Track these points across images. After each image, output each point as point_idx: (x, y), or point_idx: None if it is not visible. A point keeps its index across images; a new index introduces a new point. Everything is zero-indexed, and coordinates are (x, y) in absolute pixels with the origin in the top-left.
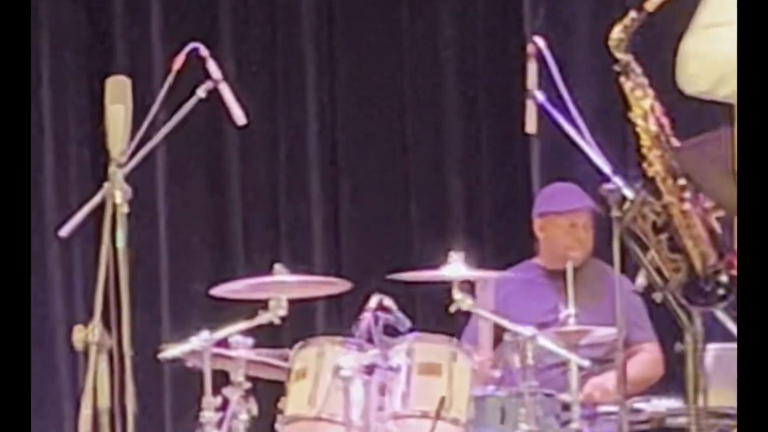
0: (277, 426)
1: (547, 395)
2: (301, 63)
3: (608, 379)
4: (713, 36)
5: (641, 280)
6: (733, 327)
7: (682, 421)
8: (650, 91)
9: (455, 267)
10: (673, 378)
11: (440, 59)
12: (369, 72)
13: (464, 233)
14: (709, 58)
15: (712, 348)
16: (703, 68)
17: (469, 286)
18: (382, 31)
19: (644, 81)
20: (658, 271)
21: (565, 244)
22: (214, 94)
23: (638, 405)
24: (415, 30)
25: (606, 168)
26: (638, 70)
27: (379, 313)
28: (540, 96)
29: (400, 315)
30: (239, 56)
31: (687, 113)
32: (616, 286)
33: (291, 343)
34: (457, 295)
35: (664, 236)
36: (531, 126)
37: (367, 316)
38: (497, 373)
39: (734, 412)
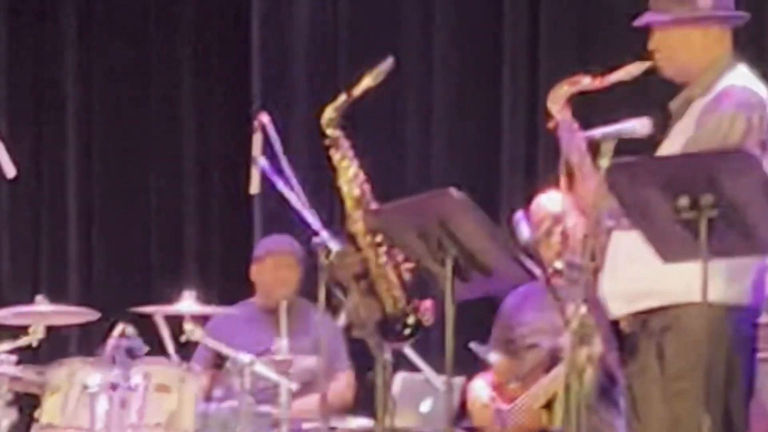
0: None
1: (261, 413)
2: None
3: (311, 401)
4: None
5: (342, 319)
6: (416, 360)
7: None
8: (355, 161)
9: (187, 303)
10: (366, 400)
11: (181, 128)
12: (121, 137)
13: (196, 275)
14: None
15: (399, 377)
16: None
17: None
18: (131, 99)
19: (350, 153)
20: (357, 311)
21: (270, 282)
22: None
23: (336, 423)
24: (160, 102)
25: (315, 224)
26: (346, 144)
27: (122, 340)
28: (263, 162)
29: (139, 341)
30: None
31: None
32: (320, 323)
33: (48, 362)
34: (188, 326)
35: (362, 283)
36: (255, 187)
37: (111, 342)
38: (219, 392)
39: (414, 430)
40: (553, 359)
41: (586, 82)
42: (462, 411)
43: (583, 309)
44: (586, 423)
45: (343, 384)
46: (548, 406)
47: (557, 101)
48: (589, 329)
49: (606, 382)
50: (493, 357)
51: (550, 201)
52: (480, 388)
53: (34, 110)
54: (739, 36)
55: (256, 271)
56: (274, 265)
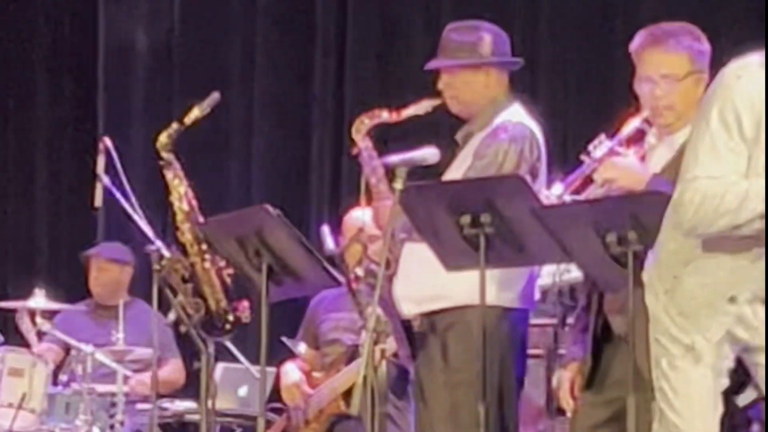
0: None
1: (101, 395)
2: None
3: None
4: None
5: (172, 316)
6: (235, 351)
7: (195, 417)
8: (185, 181)
9: (39, 299)
10: (192, 386)
11: (36, 148)
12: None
13: (47, 275)
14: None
15: (220, 366)
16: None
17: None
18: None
19: (181, 173)
20: (185, 310)
21: (92, 282)
22: None
23: (165, 404)
24: (17, 129)
25: (150, 233)
26: (177, 165)
27: None
28: (106, 179)
29: None
30: None
31: None
32: (153, 319)
33: None
34: (38, 320)
35: (189, 285)
36: (98, 201)
37: None
38: (65, 377)
39: (232, 412)
40: (352, 354)
41: (384, 116)
42: (274, 395)
43: (379, 310)
44: (379, 410)
45: (172, 369)
46: (347, 394)
47: (360, 132)
48: (383, 328)
49: (398, 373)
50: (301, 348)
51: (352, 218)
52: (291, 370)
53: None
54: (515, 78)
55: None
56: (96, 267)
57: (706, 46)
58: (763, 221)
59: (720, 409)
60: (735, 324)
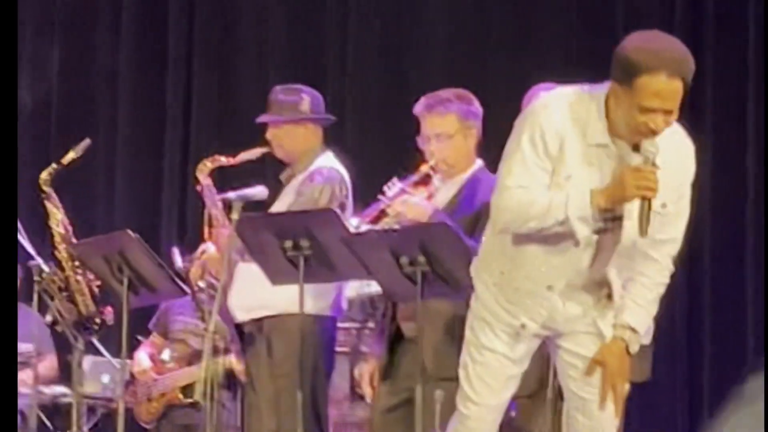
0: None
1: None
2: None
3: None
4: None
5: (49, 317)
6: (100, 347)
7: (68, 400)
8: (61, 209)
9: None
10: (65, 376)
11: None
12: None
13: None
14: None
15: (88, 358)
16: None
17: None
18: None
19: (58, 203)
20: (60, 313)
21: None
22: None
23: (44, 390)
24: None
25: (32, 251)
26: (55, 197)
27: None
28: None
29: None
30: None
31: None
32: (32, 320)
33: None
34: None
35: (64, 294)
36: None
37: None
38: None
39: (97, 396)
40: (195, 356)
41: (223, 159)
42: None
43: (217, 316)
44: (216, 397)
45: (49, 362)
46: (185, 388)
47: (203, 172)
48: (220, 331)
49: (228, 369)
50: (152, 338)
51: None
52: (142, 358)
53: None
54: (327, 131)
55: None
56: None
57: (474, 106)
58: (563, 226)
59: (512, 389)
60: (552, 310)
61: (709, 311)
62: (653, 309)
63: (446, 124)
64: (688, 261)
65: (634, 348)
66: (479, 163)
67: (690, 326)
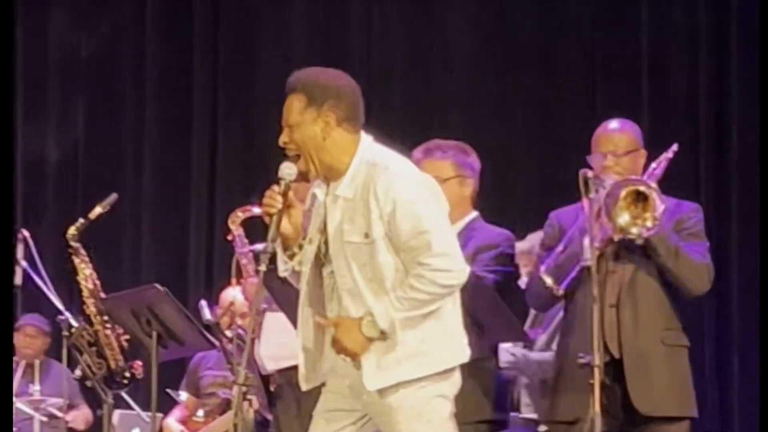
0: None
1: None
2: None
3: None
4: None
5: (78, 372)
6: (130, 401)
7: None
8: (89, 264)
9: None
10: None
11: None
12: None
13: None
14: None
15: (118, 412)
16: None
17: None
18: None
19: (86, 258)
20: (90, 368)
21: (19, 344)
22: None
23: None
24: None
25: (61, 306)
26: (83, 252)
27: None
28: (24, 263)
29: None
30: None
31: None
32: (63, 375)
33: None
34: None
35: (93, 348)
36: (18, 280)
37: None
38: None
39: None
40: (226, 406)
41: (256, 210)
42: None
43: (245, 368)
44: None
45: (81, 414)
46: None
47: (234, 222)
48: (250, 382)
49: (260, 419)
50: (183, 396)
51: (227, 294)
52: (172, 423)
53: None
54: None
55: (15, 337)
56: (22, 333)
57: (472, 158)
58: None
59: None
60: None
61: None
62: (398, 305)
63: (442, 169)
64: None
65: (367, 329)
66: (474, 213)
67: None
